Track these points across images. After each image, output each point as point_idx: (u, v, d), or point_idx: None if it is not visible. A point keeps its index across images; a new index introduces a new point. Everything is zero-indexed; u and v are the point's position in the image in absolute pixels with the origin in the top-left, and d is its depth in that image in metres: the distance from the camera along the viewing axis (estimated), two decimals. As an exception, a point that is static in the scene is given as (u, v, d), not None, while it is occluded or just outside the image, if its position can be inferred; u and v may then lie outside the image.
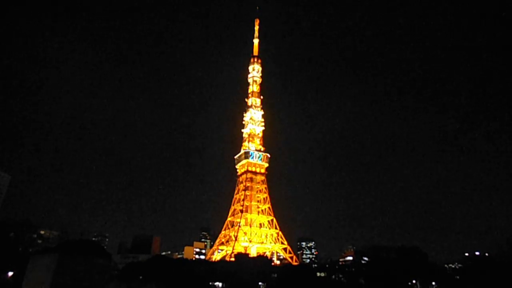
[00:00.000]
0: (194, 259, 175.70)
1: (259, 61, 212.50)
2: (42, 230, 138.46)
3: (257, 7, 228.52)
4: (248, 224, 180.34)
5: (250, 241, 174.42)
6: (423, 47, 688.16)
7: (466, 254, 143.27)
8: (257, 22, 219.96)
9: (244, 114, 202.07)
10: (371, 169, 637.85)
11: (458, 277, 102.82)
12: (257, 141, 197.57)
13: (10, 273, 71.71)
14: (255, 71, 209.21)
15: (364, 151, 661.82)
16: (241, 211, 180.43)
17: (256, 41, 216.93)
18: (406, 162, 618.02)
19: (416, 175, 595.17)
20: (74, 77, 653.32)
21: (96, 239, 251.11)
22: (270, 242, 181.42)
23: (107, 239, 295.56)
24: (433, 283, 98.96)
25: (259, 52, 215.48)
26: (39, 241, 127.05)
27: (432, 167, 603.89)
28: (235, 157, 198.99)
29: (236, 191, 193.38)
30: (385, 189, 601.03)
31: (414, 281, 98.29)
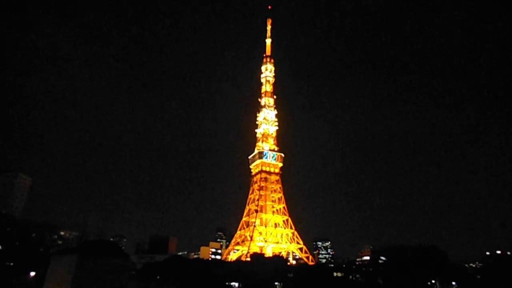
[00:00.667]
0: (210, 259, 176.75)
1: (272, 60, 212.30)
2: (62, 231, 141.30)
3: (269, 7, 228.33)
4: (263, 224, 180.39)
5: (266, 241, 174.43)
6: (439, 45, 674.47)
7: (488, 253, 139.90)
8: (269, 22, 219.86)
9: (258, 114, 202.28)
10: (388, 167, 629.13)
11: (479, 276, 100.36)
12: (271, 141, 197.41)
13: (32, 273, 73.60)
14: (267, 71, 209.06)
15: (381, 149, 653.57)
16: (256, 211, 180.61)
17: (268, 41, 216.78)
18: (424, 159, 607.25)
19: (435, 172, 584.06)
20: (89, 80, 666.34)
21: (114, 239, 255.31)
22: (286, 242, 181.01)
23: (124, 240, 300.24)
24: (453, 283, 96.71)
25: (271, 51, 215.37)
26: (60, 242, 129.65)
27: (451, 164, 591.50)
28: (249, 157, 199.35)
29: (250, 191, 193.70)
30: (403, 187, 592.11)
31: (433, 281, 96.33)
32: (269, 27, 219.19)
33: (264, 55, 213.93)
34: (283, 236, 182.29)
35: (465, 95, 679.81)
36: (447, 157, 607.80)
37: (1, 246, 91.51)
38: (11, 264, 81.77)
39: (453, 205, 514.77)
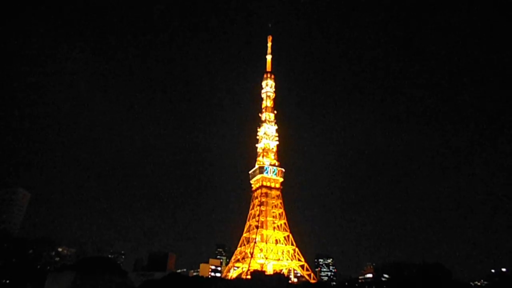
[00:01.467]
0: (210, 276, 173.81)
1: (272, 76, 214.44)
2: (60, 247, 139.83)
3: (269, 24, 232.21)
4: (264, 240, 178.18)
5: (266, 258, 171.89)
6: (442, 54, 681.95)
7: (492, 270, 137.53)
8: (269, 38, 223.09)
9: (258, 129, 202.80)
10: (391, 183, 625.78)
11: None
12: (272, 155, 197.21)
13: (28, 291, 72.24)
14: (268, 86, 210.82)
15: (383, 164, 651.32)
16: (257, 227, 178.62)
17: (269, 57, 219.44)
18: (428, 176, 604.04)
19: (438, 189, 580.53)
20: (89, 92, 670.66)
21: (112, 256, 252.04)
22: (287, 259, 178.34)
23: (123, 256, 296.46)
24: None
25: (272, 68, 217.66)
26: (57, 259, 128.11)
27: (456, 181, 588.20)
28: (250, 172, 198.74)
29: (251, 207, 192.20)
30: (406, 203, 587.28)
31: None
32: (269, 44, 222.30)
33: (265, 71, 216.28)
34: (284, 253, 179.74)
35: (467, 110, 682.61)
36: (451, 173, 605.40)
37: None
38: (7, 281, 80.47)
39: (458, 222, 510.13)
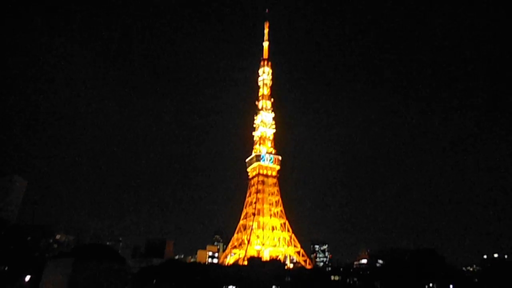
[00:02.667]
0: (207, 263, 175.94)
1: (269, 63, 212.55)
2: (58, 235, 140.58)
3: (267, 10, 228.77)
4: (261, 227, 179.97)
5: (263, 245, 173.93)
6: (439, 47, 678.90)
7: (485, 256, 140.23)
8: (266, 25, 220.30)
9: (255, 117, 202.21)
10: (386, 170, 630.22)
11: (476, 280, 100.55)
12: (268, 143, 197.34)
13: (28, 278, 72.83)
14: (265, 74, 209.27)
15: (379, 152, 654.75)
16: (254, 214, 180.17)
17: (266, 44, 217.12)
18: (422, 163, 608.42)
19: (432, 176, 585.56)
20: (85, 80, 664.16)
21: (110, 243, 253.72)
22: (283, 245, 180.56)
23: (121, 243, 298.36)
24: (451, 286, 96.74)
25: (269, 54, 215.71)
26: (55, 246, 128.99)
27: (449, 168, 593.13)
28: (247, 160, 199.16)
29: (248, 194, 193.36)
30: (400, 190, 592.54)
31: (430, 284, 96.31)
32: (266, 30, 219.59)
33: (262, 58, 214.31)
34: (280, 240, 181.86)
35: (462, 100, 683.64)
36: (445, 160, 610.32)
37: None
38: (6, 268, 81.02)
39: (451, 208, 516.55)
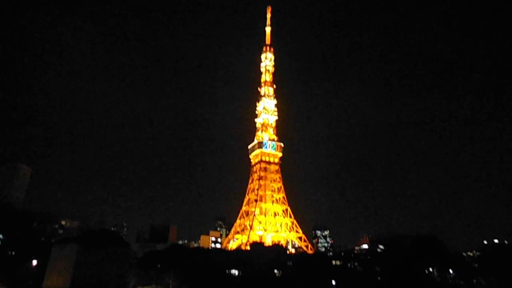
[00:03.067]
0: (210, 248, 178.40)
1: (272, 49, 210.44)
2: (63, 221, 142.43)
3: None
4: (263, 213, 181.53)
5: (265, 230, 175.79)
6: (437, 37, 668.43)
7: (485, 241, 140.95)
8: (269, 9, 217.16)
9: (257, 104, 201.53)
10: (387, 157, 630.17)
11: (476, 265, 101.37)
12: (271, 130, 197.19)
13: (34, 262, 74.37)
14: (267, 60, 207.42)
15: (380, 139, 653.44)
16: (256, 201, 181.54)
17: (268, 29, 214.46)
18: (423, 149, 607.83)
19: (432, 161, 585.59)
20: (86, 69, 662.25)
21: (114, 228, 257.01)
22: (285, 231, 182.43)
23: (125, 229, 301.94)
24: (451, 271, 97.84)
25: (271, 40, 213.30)
26: (60, 231, 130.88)
27: (449, 153, 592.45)
28: (249, 147, 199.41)
29: (250, 181, 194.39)
30: (401, 176, 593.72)
31: (431, 270, 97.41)
32: (268, 15, 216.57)
33: (264, 43, 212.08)
34: (282, 225, 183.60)
35: (464, 88, 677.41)
36: (446, 146, 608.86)
37: (3, 236, 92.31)
38: (13, 253, 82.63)
39: (451, 194, 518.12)
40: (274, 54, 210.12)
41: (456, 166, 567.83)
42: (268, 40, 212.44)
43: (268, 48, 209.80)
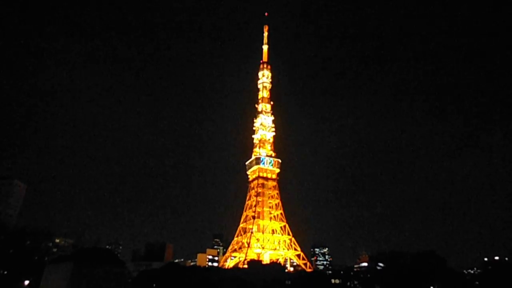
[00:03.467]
0: (207, 266, 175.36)
1: (269, 67, 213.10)
2: (57, 239, 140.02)
3: (266, 14, 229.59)
4: (261, 230, 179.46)
5: (263, 248, 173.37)
6: (439, 47, 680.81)
7: (486, 259, 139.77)
8: (266, 28, 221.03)
9: (255, 120, 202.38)
10: (386, 173, 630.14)
11: (477, 283, 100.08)
12: (268, 146, 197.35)
13: (26, 282, 72.51)
14: (264, 77, 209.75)
15: (378, 155, 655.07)
16: (253, 217, 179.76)
17: (265, 47, 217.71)
18: (422, 166, 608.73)
19: (432, 179, 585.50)
20: (83, 84, 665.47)
21: (110, 247, 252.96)
22: (283, 249, 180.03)
23: (120, 247, 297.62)
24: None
25: (268, 58, 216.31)
26: (54, 250, 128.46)
27: (449, 170, 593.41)
28: (246, 163, 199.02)
29: (248, 197, 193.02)
30: (400, 193, 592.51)
31: (431, 287, 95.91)
32: (265, 34, 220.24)
33: (261, 61, 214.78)
34: (280, 243, 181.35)
35: (464, 100, 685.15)
36: (446, 163, 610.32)
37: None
38: (5, 272, 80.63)
39: (452, 211, 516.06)
40: (271, 71, 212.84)
41: (456, 183, 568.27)
42: (265, 57, 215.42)
43: (265, 65, 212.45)
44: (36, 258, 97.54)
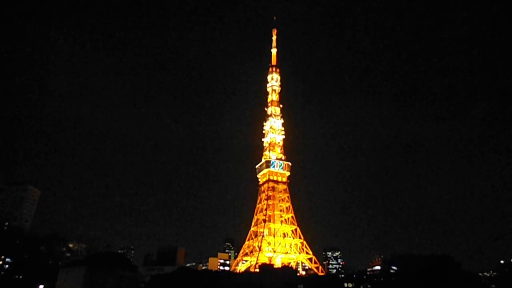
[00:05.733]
0: (218, 270, 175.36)
1: (278, 70, 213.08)
2: (71, 243, 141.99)
3: (274, 17, 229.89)
4: (272, 234, 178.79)
5: (274, 251, 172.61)
6: (450, 50, 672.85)
7: (502, 261, 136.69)
8: (274, 32, 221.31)
9: (264, 123, 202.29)
10: (398, 175, 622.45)
11: (493, 286, 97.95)
12: (278, 150, 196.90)
13: (41, 287, 73.61)
14: (273, 80, 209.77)
15: (390, 158, 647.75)
16: (264, 221, 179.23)
17: (274, 51, 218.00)
18: (436, 167, 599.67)
19: (446, 180, 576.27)
20: (94, 86, 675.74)
21: (122, 251, 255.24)
22: (295, 252, 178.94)
23: (132, 251, 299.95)
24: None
25: (277, 61, 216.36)
26: (68, 254, 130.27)
27: (462, 172, 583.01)
28: (256, 166, 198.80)
29: (258, 201, 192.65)
30: (413, 195, 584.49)
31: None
32: (274, 37, 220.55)
33: (270, 64, 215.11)
34: (292, 246, 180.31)
35: (476, 99, 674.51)
36: (461, 165, 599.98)
37: (11, 259, 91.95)
38: (20, 277, 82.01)
39: (467, 213, 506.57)
40: (280, 75, 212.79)
41: (470, 185, 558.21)
42: (274, 61, 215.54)
43: (274, 68, 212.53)
44: (50, 262, 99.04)
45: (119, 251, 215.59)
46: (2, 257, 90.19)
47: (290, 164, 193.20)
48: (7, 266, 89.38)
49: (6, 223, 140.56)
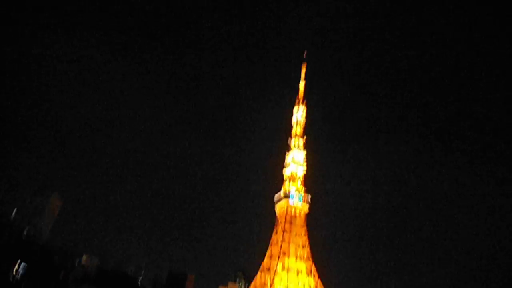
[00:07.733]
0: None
1: (304, 102, 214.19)
2: (84, 257, 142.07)
3: (305, 51, 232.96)
4: (285, 269, 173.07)
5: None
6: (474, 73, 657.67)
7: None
8: (304, 65, 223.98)
9: (286, 155, 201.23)
10: (421, 218, 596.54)
11: None
12: (298, 182, 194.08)
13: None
14: (299, 113, 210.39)
15: (414, 198, 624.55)
16: (278, 255, 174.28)
17: (301, 84, 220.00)
18: (461, 213, 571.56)
19: (471, 226, 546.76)
20: (116, 108, 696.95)
21: (132, 270, 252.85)
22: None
23: (143, 271, 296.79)
24: None
25: (304, 94, 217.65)
26: (79, 268, 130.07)
27: (489, 222, 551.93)
28: (275, 197, 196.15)
29: (274, 232, 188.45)
30: (438, 239, 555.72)
31: None
32: (303, 70, 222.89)
33: (297, 97, 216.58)
34: (305, 285, 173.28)
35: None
36: (482, 210, 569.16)
37: (24, 268, 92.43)
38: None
39: (489, 261, 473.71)
40: (306, 107, 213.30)
41: (497, 235, 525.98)
42: (301, 93, 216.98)
43: (300, 101, 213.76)
44: (61, 275, 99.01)
45: (130, 270, 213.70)
46: (16, 266, 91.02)
47: (310, 196, 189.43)
48: (20, 273, 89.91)
49: (25, 232, 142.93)
